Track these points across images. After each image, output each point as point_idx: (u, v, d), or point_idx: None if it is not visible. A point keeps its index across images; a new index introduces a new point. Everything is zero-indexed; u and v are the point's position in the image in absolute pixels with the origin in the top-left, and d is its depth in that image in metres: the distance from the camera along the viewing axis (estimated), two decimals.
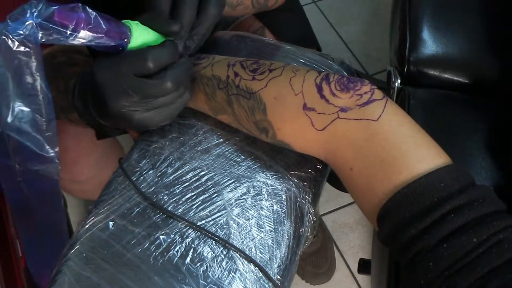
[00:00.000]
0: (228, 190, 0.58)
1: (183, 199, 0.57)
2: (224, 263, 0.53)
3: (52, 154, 0.51)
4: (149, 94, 0.52)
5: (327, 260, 1.37)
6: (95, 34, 0.47)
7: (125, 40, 0.51)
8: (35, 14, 0.42)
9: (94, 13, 0.46)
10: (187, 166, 0.59)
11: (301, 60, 0.65)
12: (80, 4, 0.45)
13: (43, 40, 0.44)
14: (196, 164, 0.59)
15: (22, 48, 0.43)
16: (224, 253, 0.54)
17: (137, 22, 0.53)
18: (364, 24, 1.83)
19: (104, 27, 0.47)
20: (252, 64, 0.56)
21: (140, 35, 0.52)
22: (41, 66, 0.46)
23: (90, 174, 0.95)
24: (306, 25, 0.95)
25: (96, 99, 0.53)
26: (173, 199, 0.57)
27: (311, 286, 1.39)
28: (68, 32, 0.45)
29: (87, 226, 0.56)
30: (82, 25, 0.45)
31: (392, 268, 0.83)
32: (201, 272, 0.53)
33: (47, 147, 0.50)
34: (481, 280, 0.40)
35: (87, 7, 0.46)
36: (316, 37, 0.94)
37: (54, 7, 0.43)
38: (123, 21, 0.52)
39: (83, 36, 0.46)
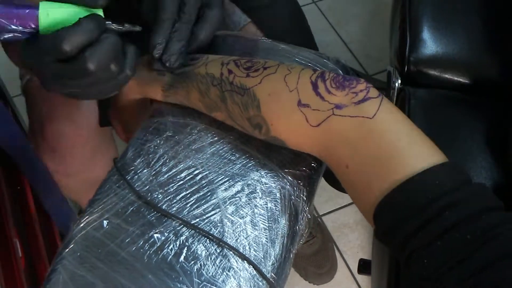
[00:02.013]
0: (222, 189, 0.57)
1: (177, 198, 0.57)
2: (218, 261, 0.53)
3: None
4: (73, 77, 0.50)
5: (328, 259, 1.38)
6: None
7: (32, 23, 0.48)
8: None
9: None
10: (182, 165, 0.59)
11: (296, 59, 0.65)
12: None
13: None
14: (190, 163, 0.59)
15: None
16: (218, 251, 0.54)
17: (49, 2, 0.50)
18: (364, 24, 1.83)
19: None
20: (246, 62, 0.56)
21: (52, 15, 0.49)
22: None
23: (80, 167, 0.94)
24: (308, 34, 0.94)
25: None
26: (167, 198, 0.57)
27: (312, 285, 1.39)
28: None
29: (81, 225, 0.56)
30: None
31: (392, 268, 0.83)
32: (195, 270, 0.53)
33: None
34: (475, 276, 0.40)
35: None
36: (316, 44, 0.94)
37: None
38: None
39: None
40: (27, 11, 0.48)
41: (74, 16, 0.50)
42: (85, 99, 0.55)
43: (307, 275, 1.38)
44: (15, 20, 0.46)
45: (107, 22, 0.52)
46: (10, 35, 0.48)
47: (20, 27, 0.47)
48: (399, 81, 1.02)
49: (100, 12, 0.52)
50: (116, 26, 0.53)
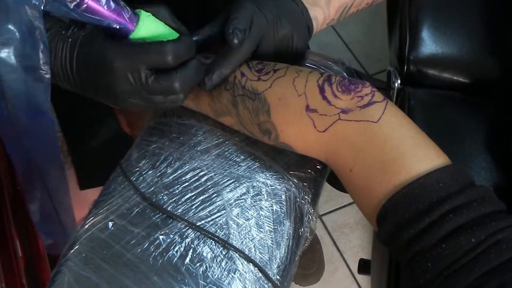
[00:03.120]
0: (227, 190, 0.58)
1: (183, 199, 0.57)
2: (223, 263, 0.53)
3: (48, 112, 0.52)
4: (154, 91, 0.51)
5: (315, 261, 1.37)
6: (101, 10, 0.47)
7: (131, 25, 0.50)
8: None
9: None
10: (187, 166, 0.59)
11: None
12: None
13: (47, 8, 0.45)
14: (195, 164, 0.59)
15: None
16: (224, 253, 0.54)
17: (149, 13, 0.51)
18: (364, 24, 1.83)
19: (112, 5, 0.47)
20: (257, 64, 0.56)
21: (147, 26, 0.51)
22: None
23: None
24: None
25: (94, 78, 0.51)
26: (173, 199, 0.57)
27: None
28: (73, 4, 0.45)
29: (86, 226, 0.56)
30: None
31: (392, 268, 0.83)
32: (201, 272, 0.53)
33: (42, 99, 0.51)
34: (479, 280, 0.40)
35: None
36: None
37: None
38: (136, 10, 0.51)
39: (89, 10, 0.46)
40: (129, 12, 0.49)
41: (165, 35, 0.52)
42: (135, 109, 0.54)
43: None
44: (110, 12, 0.48)
45: None
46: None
47: (110, 20, 0.48)
48: (399, 81, 1.02)
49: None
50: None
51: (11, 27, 0.46)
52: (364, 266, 1.14)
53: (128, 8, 0.50)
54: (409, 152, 0.46)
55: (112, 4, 0.47)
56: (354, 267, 1.35)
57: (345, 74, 0.66)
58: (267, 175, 0.59)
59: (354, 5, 0.65)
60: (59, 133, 0.93)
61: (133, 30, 0.50)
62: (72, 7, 0.45)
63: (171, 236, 0.55)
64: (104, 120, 0.94)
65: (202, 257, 0.54)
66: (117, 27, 0.49)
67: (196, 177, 0.58)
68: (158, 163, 0.60)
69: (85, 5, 0.46)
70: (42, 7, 0.45)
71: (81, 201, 0.92)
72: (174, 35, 0.53)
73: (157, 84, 0.50)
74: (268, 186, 0.58)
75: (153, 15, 0.52)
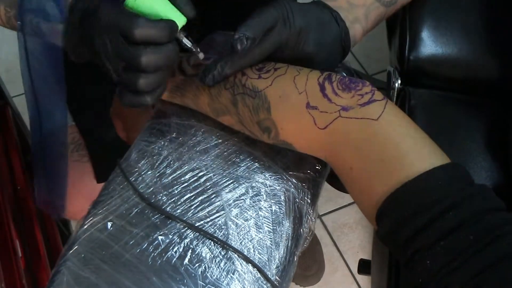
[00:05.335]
0: (226, 191, 0.58)
1: (182, 200, 0.57)
2: (222, 264, 0.53)
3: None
4: (121, 56, 0.51)
5: (315, 262, 1.37)
6: None
7: None
8: None
9: None
10: (186, 167, 0.59)
11: None
12: None
13: None
14: (195, 165, 0.59)
15: None
16: (223, 253, 0.54)
17: None
18: None
19: None
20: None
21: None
22: None
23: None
24: None
25: (83, 29, 0.53)
26: (172, 200, 0.57)
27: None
28: None
29: (85, 227, 0.56)
30: None
31: (392, 268, 0.83)
32: (200, 272, 0.53)
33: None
34: (479, 277, 0.40)
35: None
36: None
37: None
38: None
39: None
40: None
41: (160, 11, 0.52)
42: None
43: (293, 276, 1.38)
44: None
45: (182, 33, 0.54)
46: None
47: None
48: (399, 81, 1.02)
49: (183, 21, 0.53)
50: (185, 41, 0.55)
51: None
52: (364, 266, 1.14)
53: None
54: (409, 151, 0.47)
55: None
56: (354, 267, 1.35)
57: (344, 73, 0.66)
58: (266, 175, 0.59)
59: (387, 14, 0.64)
60: (72, 122, 0.93)
61: None
62: None
63: (170, 236, 0.55)
64: None
65: (201, 257, 0.54)
66: None
67: (195, 178, 0.58)
68: (157, 164, 0.60)
69: None
70: None
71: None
72: (173, 15, 0.52)
73: (124, 50, 0.50)
74: (267, 187, 0.58)
75: None
